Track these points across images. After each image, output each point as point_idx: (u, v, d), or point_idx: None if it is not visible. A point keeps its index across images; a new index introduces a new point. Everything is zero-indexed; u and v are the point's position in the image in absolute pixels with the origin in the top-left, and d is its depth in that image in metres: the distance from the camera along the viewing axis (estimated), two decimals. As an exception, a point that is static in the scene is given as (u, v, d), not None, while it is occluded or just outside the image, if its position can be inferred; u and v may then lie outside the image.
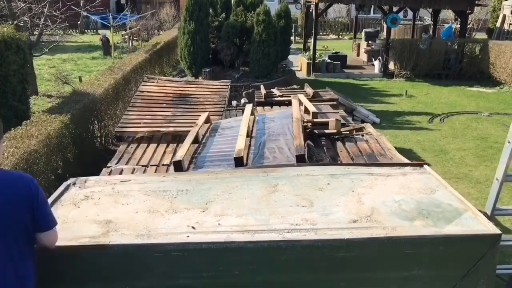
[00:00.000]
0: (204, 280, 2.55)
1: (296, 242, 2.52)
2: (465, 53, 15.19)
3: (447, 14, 20.93)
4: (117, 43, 19.16)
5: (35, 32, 12.30)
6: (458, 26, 16.81)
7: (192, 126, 5.23)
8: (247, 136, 4.58)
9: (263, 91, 7.97)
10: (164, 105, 6.47)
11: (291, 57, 15.69)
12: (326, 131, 5.03)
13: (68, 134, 6.04)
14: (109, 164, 4.85)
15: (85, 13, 20.39)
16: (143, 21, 20.45)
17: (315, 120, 5.26)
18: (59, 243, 2.50)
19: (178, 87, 7.03)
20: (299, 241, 2.52)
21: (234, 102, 10.43)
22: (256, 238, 2.54)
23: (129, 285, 2.56)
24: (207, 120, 5.39)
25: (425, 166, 3.61)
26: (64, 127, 5.89)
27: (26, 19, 11.04)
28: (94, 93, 7.35)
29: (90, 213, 2.90)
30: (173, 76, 13.14)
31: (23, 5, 11.28)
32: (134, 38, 20.24)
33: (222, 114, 6.28)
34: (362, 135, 5.07)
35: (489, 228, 2.64)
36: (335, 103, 7.37)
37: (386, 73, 15.13)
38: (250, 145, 4.50)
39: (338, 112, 6.71)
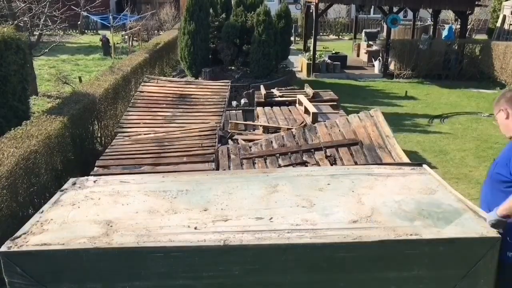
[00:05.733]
0: (204, 281, 2.55)
1: (296, 242, 2.52)
2: (465, 53, 15.18)
3: (447, 14, 20.93)
4: (117, 43, 19.16)
5: (35, 32, 12.29)
6: (458, 26, 16.81)
7: (191, 127, 5.23)
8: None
9: (263, 91, 7.98)
10: (164, 105, 6.46)
11: (291, 58, 15.68)
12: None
13: (68, 134, 6.03)
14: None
15: (85, 13, 20.38)
16: (143, 21, 20.44)
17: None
18: (59, 243, 2.50)
19: (178, 87, 7.02)
20: (299, 242, 2.52)
21: (234, 103, 10.43)
22: (256, 239, 2.54)
23: (129, 285, 2.56)
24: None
25: (424, 166, 3.61)
26: (64, 127, 5.88)
27: (26, 19, 11.04)
28: (94, 93, 7.35)
29: (90, 213, 2.89)
30: (173, 76, 13.13)
31: (23, 5, 11.27)
32: (134, 39, 20.23)
33: (222, 114, 6.27)
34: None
35: (489, 229, 2.64)
36: (335, 103, 7.39)
37: (386, 74, 15.13)
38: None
39: (338, 112, 6.72)
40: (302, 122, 6.15)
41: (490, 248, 2.58)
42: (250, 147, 5.02)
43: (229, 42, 12.46)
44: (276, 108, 7.05)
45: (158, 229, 2.67)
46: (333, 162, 4.48)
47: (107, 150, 5.14)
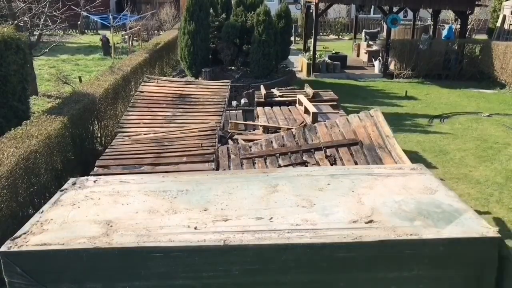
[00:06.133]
0: (204, 280, 2.55)
1: (296, 242, 2.52)
2: (465, 53, 15.18)
3: (447, 14, 20.92)
4: (117, 43, 19.15)
5: (35, 32, 12.29)
6: (458, 26, 16.80)
7: (191, 127, 5.22)
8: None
9: (263, 91, 7.98)
10: (164, 105, 6.46)
11: (291, 58, 15.68)
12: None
13: (68, 134, 6.04)
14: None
15: (85, 13, 20.38)
16: (143, 21, 20.43)
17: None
18: (59, 243, 2.50)
19: (178, 87, 7.02)
20: (299, 242, 2.52)
21: (234, 102, 10.43)
22: (256, 239, 2.54)
23: (129, 285, 2.56)
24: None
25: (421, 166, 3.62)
26: (64, 127, 5.88)
27: (26, 19, 11.03)
28: (94, 93, 7.35)
29: (90, 213, 2.89)
30: (173, 76, 13.13)
31: (23, 5, 11.27)
32: (134, 38, 20.23)
33: (222, 114, 6.27)
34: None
35: (490, 229, 2.64)
36: (335, 103, 7.39)
37: (386, 74, 15.13)
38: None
39: (338, 112, 6.72)
40: (302, 122, 6.15)
41: (490, 248, 2.58)
42: (250, 147, 5.02)
43: (229, 42, 12.46)
44: (276, 108, 7.05)
45: (158, 229, 2.66)
46: (333, 162, 4.48)
47: (107, 150, 5.14)
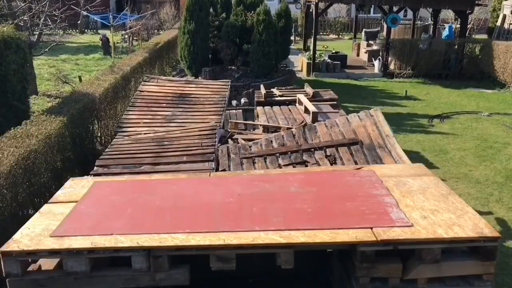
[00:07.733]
0: None
1: None
2: (465, 53, 15.17)
3: (447, 14, 20.92)
4: (117, 42, 19.14)
5: (35, 32, 12.28)
6: (458, 26, 16.80)
7: (191, 126, 5.22)
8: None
9: (263, 91, 7.99)
10: (164, 105, 6.47)
11: (291, 57, 15.68)
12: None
13: (68, 134, 6.03)
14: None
15: (85, 13, 20.36)
16: (143, 21, 20.41)
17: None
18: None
19: (178, 87, 7.03)
20: None
21: (234, 102, 10.43)
22: None
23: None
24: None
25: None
26: (63, 127, 5.88)
27: (26, 18, 11.03)
28: (94, 93, 7.34)
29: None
30: (173, 76, 13.13)
31: (23, 4, 11.27)
32: (134, 38, 20.22)
33: (222, 114, 6.28)
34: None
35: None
36: (335, 102, 7.40)
37: (386, 73, 15.12)
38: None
39: (338, 112, 6.72)
40: (302, 122, 6.16)
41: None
42: (250, 147, 5.02)
43: (229, 41, 12.46)
44: (276, 108, 7.05)
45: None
46: (333, 162, 4.48)
47: (107, 150, 5.14)
